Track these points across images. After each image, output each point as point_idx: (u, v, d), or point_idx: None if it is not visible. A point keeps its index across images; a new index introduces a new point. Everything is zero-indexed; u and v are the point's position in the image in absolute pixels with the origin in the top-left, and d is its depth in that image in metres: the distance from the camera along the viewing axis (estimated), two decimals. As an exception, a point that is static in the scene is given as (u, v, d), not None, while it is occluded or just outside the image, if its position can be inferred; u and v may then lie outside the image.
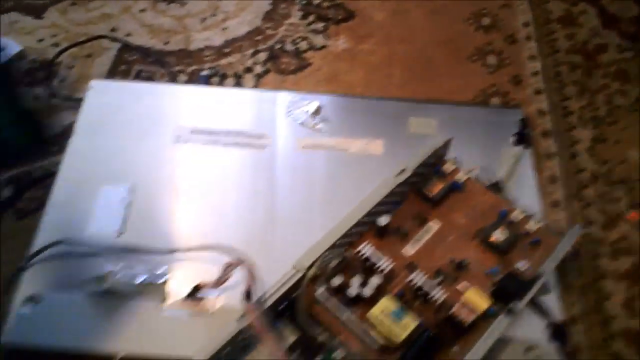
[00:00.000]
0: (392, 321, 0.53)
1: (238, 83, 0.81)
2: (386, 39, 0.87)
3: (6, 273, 0.62)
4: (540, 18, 0.90)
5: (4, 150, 0.73)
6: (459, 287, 0.58)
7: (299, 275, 0.55)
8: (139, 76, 0.82)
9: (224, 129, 0.73)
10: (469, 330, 0.55)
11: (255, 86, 0.81)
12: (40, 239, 0.64)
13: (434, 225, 0.63)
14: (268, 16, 0.89)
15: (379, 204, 0.60)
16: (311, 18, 0.89)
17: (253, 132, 0.73)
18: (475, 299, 0.55)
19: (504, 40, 0.87)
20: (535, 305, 0.61)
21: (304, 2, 0.91)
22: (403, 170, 0.62)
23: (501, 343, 0.57)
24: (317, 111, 0.74)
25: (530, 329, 0.59)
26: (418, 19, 0.89)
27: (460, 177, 0.65)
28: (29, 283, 0.61)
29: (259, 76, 0.82)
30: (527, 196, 0.67)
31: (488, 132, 0.74)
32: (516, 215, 0.63)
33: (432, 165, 0.66)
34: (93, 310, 0.59)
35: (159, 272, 0.61)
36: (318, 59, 0.84)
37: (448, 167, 0.66)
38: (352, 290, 0.55)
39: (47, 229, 0.64)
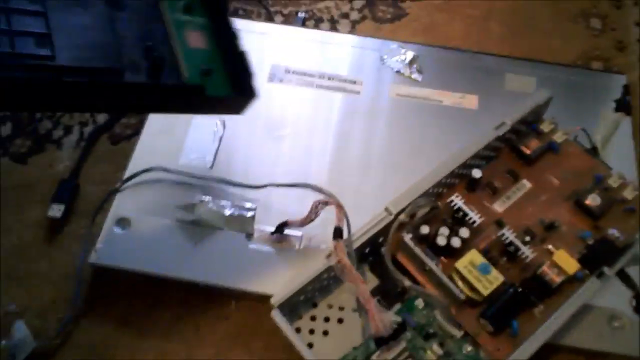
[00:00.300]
0: (478, 274, 0.53)
1: (333, 27, 0.81)
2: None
3: (99, 195, 0.64)
4: (650, -17, 0.86)
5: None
6: (548, 248, 0.57)
7: (389, 219, 0.55)
8: (237, 14, 0.82)
9: (318, 72, 0.73)
10: (556, 292, 0.54)
11: (351, 32, 0.80)
12: (134, 165, 0.65)
13: (526, 183, 0.61)
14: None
15: (474, 156, 0.59)
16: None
17: (348, 76, 0.72)
18: (565, 260, 0.54)
19: (610, 3, 0.84)
20: (623, 275, 0.59)
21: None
22: (502, 124, 0.60)
23: (586, 309, 0.56)
24: (412, 61, 0.73)
25: (615, 298, 0.58)
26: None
27: (558, 137, 0.63)
28: (121, 206, 0.63)
29: (355, 22, 0.81)
30: (623, 164, 0.65)
31: (588, 96, 0.72)
32: (613, 180, 0.61)
33: (530, 123, 0.64)
34: (181, 237, 0.61)
35: (247, 205, 0.62)
36: (416, 9, 0.83)
37: (546, 126, 0.64)
38: (441, 240, 0.55)
39: (141, 156, 0.66)
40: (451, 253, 0.56)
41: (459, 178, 0.61)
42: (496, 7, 0.83)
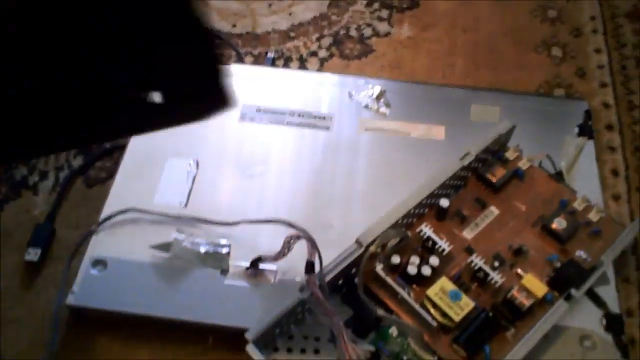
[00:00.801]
0: (449, 301, 0.54)
1: (302, 66, 0.83)
2: (450, 28, 0.87)
3: (75, 238, 0.65)
4: (607, 12, 0.89)
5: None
6: (517, 272, 0.59)
7: (360, 251, 0.56)
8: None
9: (288, 109, 0.74)
10: (526, 315, 0.56)
11: (320, 70, 0.82)
12: (109, 207, 0.66)
13: (494, 211, 0.63)
14: (334, 3, 0.90)
15: (441, 186, 0.61)
16: (376, 5, 0.89)
17: (317, 113, 0.74)
18: (534, 284, 0.56)
19: (569, 33, 0.86)
20: (593, 295, 0.61)
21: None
22: (467, 154, 0.62)
23: (557, 330, 0.57)
24: (380, 95, 0.75)
25: (586, 318, 0.59)
26: (483, 8, 0.89)
27: (523, 164, 0.65)
28: (97, 248, 0.64)
29: (324, 60, 0.83)
30: (588, 187, 0.67)
31: (551, 123, 0.74)
32: (578, 204, 0.63)
33: (495, 152, 0.66)
34: (157, 276, 0.61)
35: (222, 242, 0.63)
36: (382, 45, 0.85)
37: (511, 154, 0.66)
38: (412, 269, 0.56)
39: (116, 198, 0.67)
40: (422, 281, 0.57)
41: (427, 208, 0.62)
42: (460, 42, 0.85)
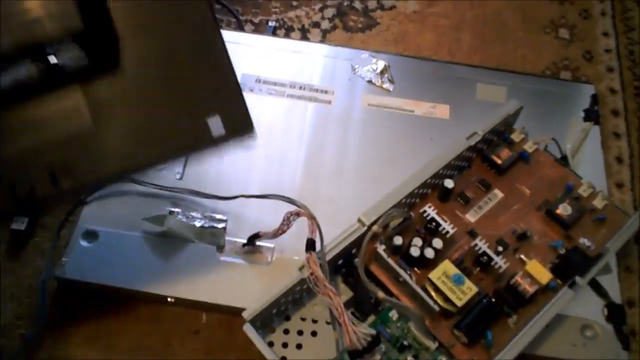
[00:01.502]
0: (452, 285, 0.53)
1: (304, 37, 0.80)
2: (457, 3, 0.84)
3: (65, 208, 0.63)
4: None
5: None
6: (521, 257, 0.57)
7: (362, 230, 0.54)
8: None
9: (289, 81, 0.72)
10: (529, 302, 0.54)
11: (322, 41, 0.80)
12: (102, 176, 0.64)
13: (498, 193, 0.61)
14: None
15: (446, 166, 0.59)
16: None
17: (319, 86, 0.72)
18: (538, 270, 0.54)
19: (578, 14, 0.84)
20: (595, 284, 0.60)
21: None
22: (474, 134, 0.60)
23: (559, 318, 0.56)
24: (384, 71, 0.73)
25: (588, 307, 0.59)
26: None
27: (529, 147, 0.64)
28: (88, 219, 0.62)
29: (326, 32, 0.81)
30: (593, 172, 0.66)
31: (557, 105, 0.73)
32: (583, 190, 0.61)
33: (501, 133, 0.64)
34: (150, 250, 0.60)
35: (218, 217, 0.61)
36: (387, 19, 0.83)
37: (516, 136, 0.64)
38: (414, 251, 0.55)
39: (109, 166, 0.65)
40: (425, 264, 0.55)
41: (431, 188, 0.60)
42: (467, 17, 0.83)
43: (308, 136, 0.68)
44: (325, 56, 0.75)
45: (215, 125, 0.54)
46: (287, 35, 0.80)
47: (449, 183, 0.59)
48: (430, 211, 0.57)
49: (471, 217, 0.60)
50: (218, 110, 0.54)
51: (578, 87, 0.75)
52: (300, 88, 0.71)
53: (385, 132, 0.69)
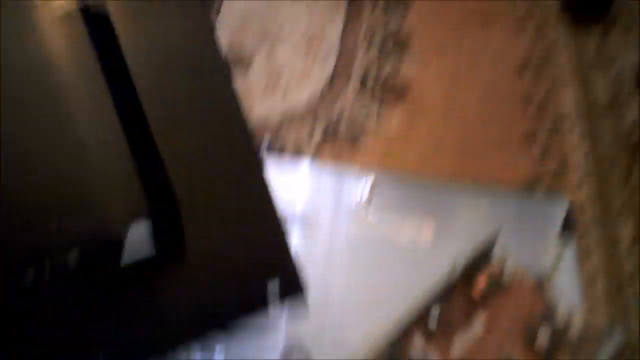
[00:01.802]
0: None
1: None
2: (440, 122, 0.90)
3: None
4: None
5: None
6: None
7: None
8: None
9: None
10: None
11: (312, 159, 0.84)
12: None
13: (478, 326, 0.64)
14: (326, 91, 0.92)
15: (428, 300, 0.63)
16: (365, 100, 0.91)
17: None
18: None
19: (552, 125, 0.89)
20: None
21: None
22: (453, 267, 0.65)
23: None
24: (370, 189, 0.77)
25: None
26: (469, 103, 0.92)
27: (507, 273, 0.67)
28: None
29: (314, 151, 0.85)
30: (569, 291, 0.69)
31: (534, 222, 0.76)
32: (561, 317, 0.65)
33: (480, 260, 0.68)
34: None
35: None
36: (371, 138, 0.87)
37: (495, 263, 0.68)
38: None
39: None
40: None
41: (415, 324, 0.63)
42: (447, 136, 0.88)
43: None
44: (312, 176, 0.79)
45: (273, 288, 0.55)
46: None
47: (431, 321, 0.62)
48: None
49: (457, 350, 0.63)
50: (274, 273, 0.56)
51: (552, 201, 0.78)
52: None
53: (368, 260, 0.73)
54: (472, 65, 0.93)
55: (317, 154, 0.85)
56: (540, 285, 0.68)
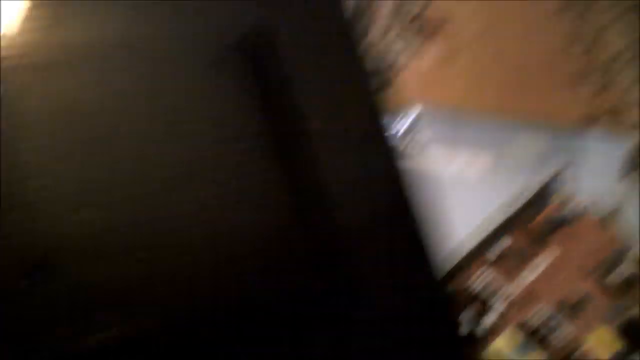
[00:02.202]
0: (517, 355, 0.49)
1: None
2: (480, 57, 0.83)
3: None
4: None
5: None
6: (581, 324, 0.55)
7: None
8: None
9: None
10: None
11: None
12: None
13: (542, 262, 0.59)
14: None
15: (489, 234, 0.58)
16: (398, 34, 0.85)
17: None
18: (603, 338, 0.51)
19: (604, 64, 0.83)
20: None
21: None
22: (512, 201, 0.60)
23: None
24: (413, 124, 0.73)
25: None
26: (509, 40, 0.86)
27: (571, 209, 0.62)
28: None
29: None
30: (634, 228, 0.64)
31: (595, 159, 0.72)
32: (631, 253, 0.60)
33: (542, 196, 0.63)
34: None
35: None
36: (406, 74, 0.81)
37: (560, 196, 0.63)
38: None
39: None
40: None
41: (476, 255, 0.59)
42: (491, 70, 0.82)
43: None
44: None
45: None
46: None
47: (491, 254, 0.57)
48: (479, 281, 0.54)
49: (521, 284, 0.58)
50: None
51: (613, 138, 0.74)
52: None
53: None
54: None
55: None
56: (605, 223, 0.64)
